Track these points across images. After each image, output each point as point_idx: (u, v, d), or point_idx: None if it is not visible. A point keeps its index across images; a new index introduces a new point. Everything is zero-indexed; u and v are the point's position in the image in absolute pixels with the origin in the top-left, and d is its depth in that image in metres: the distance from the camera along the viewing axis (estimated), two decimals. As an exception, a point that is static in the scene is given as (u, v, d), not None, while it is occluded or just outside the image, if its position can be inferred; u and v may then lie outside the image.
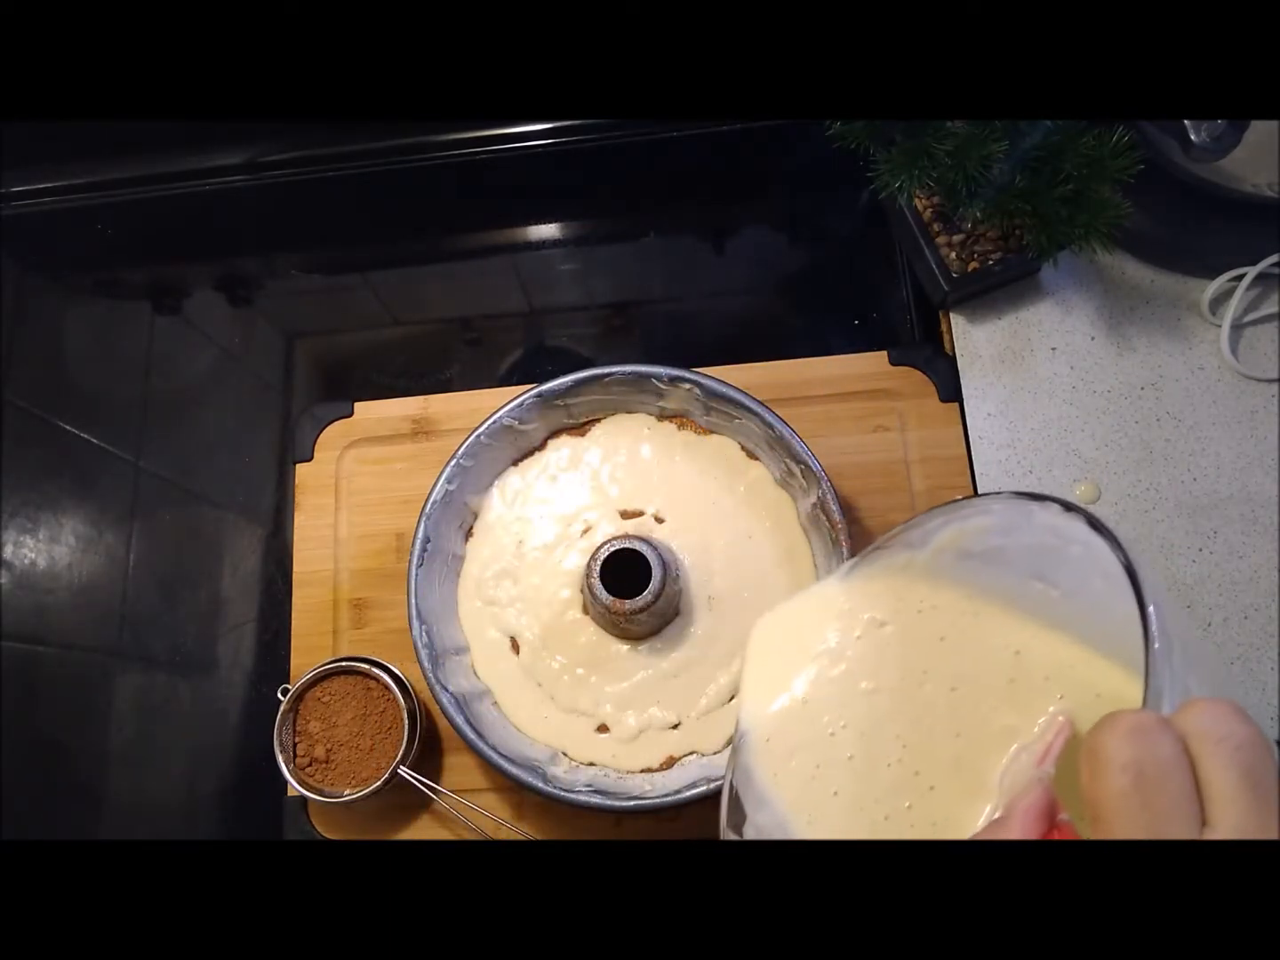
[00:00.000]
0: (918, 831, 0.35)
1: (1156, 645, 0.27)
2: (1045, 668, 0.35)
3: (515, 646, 0.63)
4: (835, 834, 0.36)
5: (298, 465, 0.71)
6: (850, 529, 0.58)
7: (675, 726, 0.60)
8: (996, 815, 0.33)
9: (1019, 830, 0.27)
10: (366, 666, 0.61)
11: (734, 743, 0.39)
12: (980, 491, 0.66)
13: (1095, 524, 0.31)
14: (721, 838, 0.37)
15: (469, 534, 0.65)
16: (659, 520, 0.64)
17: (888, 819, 0.36)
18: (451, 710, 0.57)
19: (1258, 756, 0.25)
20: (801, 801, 0.37)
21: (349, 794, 0.59)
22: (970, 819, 0.34)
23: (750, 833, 0.36)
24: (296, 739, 0.61)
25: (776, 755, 0.38)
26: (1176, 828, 0.24)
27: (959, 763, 0.35)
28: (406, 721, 0.60)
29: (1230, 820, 0.24)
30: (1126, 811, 0.25)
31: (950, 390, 0.69)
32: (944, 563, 0.38)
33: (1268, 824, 0.24)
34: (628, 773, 0.59)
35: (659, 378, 0.63)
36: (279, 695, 0.61)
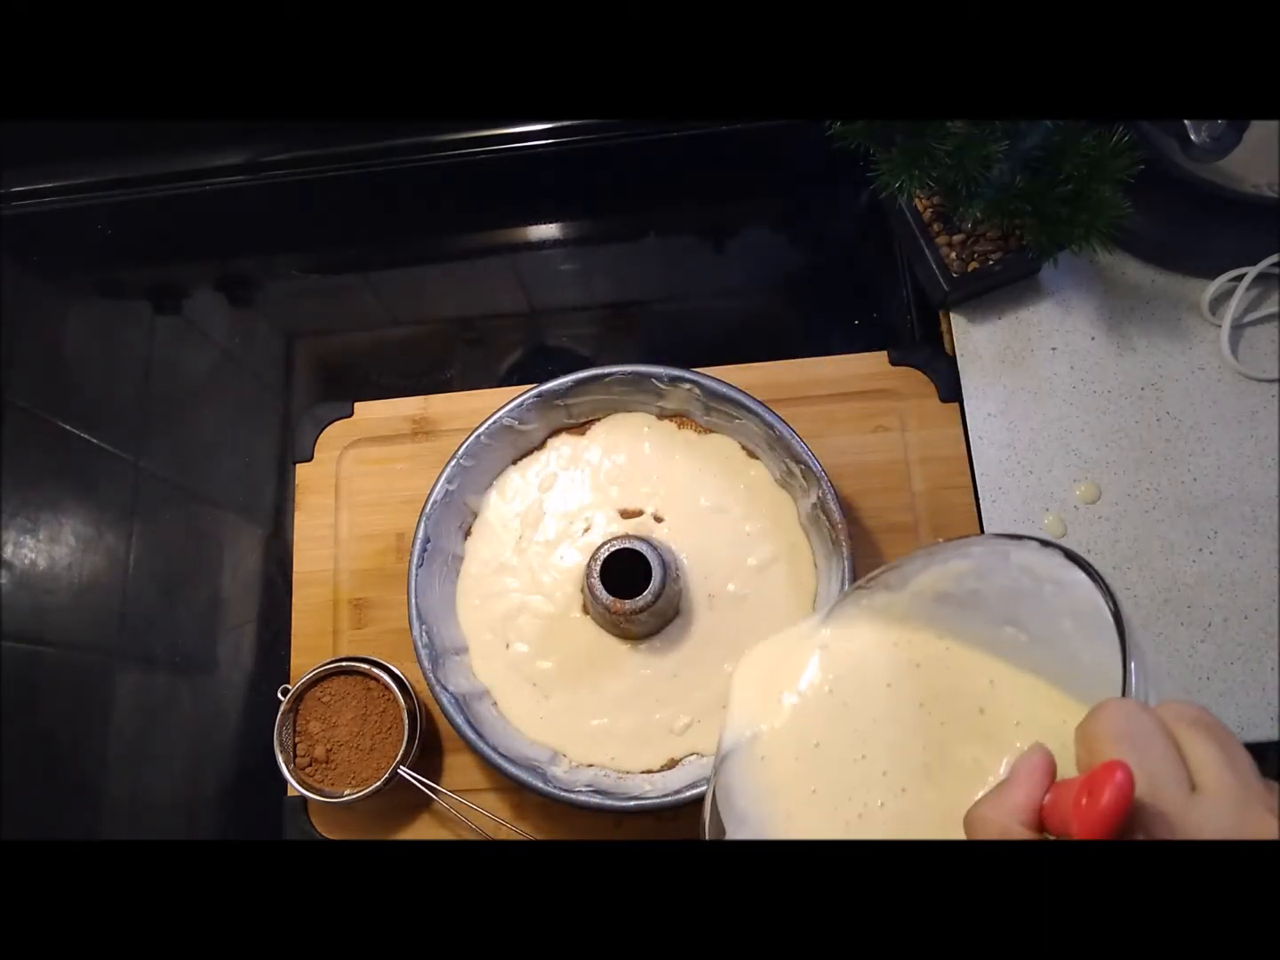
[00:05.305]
0: (888, 827, 0.37)
1: (1134, 680, 0.29)
2: (1015, 711, 0.37)
3: (514, 646, 0.63)
4: (811, 829, 0.38)
5: (298, 465, 0.71)
6: (850, 529, 0.58)
7: (676, 728, 0.60)
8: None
9: (1024, 787, 0.28)
10: (366, 666, 0.61)
11: (715, 764, 0.41)
12: (980, 492, 0.66)
13: (1073, 557, 0.33)
14: None
15: (468, 534, 0.65)
16: (658, 519, 0.64)
17: (860, 816, 0.38)
18: (451, 710, 0.57)
19: (1228, 735, 0.28)
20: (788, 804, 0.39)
21: (349, 794, 0.59)
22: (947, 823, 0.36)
23: None
24: (296, 739, 0.61)
25: (771, 770, 0.40)
26: (1171, 787, 0.26)
27: (928, 771, 0.38)
28: (406, 721, 0.60)
29: (1214, 782, 0.26)
30: None
31: (950, 390, 0.68)
32: (921, 605, 0.40)
33: (1245, 785, 0.26)
34: (627, 774, 0.59)
35: (659, 378, 0.63)
36: (279, 695, 0.61)
